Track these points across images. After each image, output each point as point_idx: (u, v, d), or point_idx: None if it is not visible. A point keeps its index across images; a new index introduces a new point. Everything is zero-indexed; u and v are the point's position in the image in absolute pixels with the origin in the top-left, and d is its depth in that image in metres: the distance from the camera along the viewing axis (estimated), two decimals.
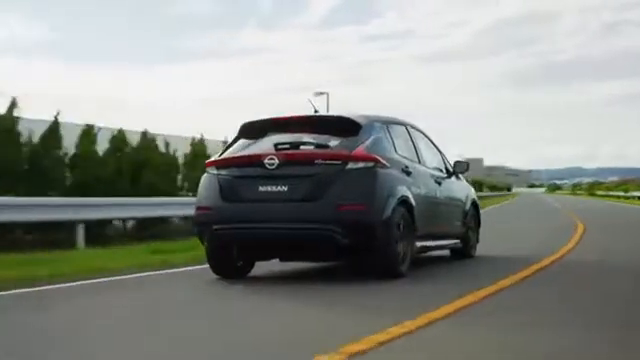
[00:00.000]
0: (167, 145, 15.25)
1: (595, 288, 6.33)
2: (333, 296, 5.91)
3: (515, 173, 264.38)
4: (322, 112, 7.68)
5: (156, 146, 14.96)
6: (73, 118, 13.30)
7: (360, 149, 6.70)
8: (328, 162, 6.57)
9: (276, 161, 6.60)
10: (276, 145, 6.78)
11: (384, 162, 6.79)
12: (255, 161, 6.73)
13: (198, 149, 16.01)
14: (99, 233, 12.24)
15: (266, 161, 6.62)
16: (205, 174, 7.10)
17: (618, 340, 3.99)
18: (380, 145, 6.97)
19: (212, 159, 7.23)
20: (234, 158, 6.96)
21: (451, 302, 5.12)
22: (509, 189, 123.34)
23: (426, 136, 8.64)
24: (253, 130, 7.31)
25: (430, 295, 5.83)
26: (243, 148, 7.11)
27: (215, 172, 6.94)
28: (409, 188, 7.11)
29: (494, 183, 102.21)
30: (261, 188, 6.64)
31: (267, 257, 7.38)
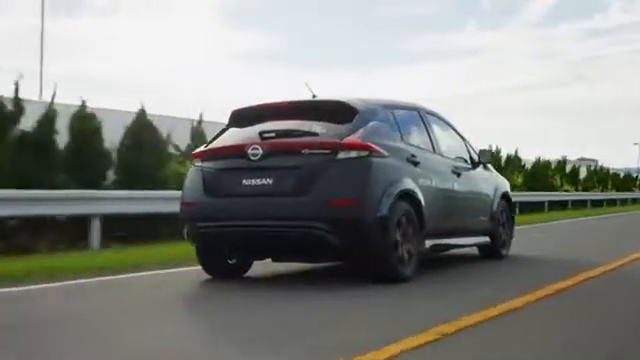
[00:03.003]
0: None
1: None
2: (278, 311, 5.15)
3: None
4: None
5: None
6: None
7: (353, 136, 5.94)
8: (316, 152, 5.85)
9: (260, 151, 5.95)
10: (261, 134, 6.12)
11: (381, 150, 5.99)
12: (238, 152, 6.09)
13: None
14: None
15: (249, 151, 5.98)
16: (192, 167, 6.53)
17: None
18: (379, 132, 6.18)
19: (197, 150, 6.66)
20: (217, 149, 6.35)
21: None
22: None
23: (447, 123, 7.77)
24: (243, 118, 6.68)
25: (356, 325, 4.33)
26: (230, 138, 6.49)
27: (200, 164, 6.36)
28: (415, 180, 6.31)
29: None
30: (245, 181, 6.00)
31: (256, 257, 6.72)
